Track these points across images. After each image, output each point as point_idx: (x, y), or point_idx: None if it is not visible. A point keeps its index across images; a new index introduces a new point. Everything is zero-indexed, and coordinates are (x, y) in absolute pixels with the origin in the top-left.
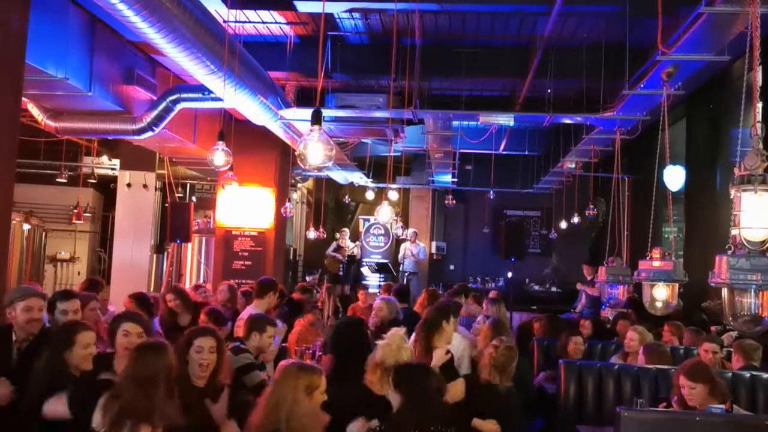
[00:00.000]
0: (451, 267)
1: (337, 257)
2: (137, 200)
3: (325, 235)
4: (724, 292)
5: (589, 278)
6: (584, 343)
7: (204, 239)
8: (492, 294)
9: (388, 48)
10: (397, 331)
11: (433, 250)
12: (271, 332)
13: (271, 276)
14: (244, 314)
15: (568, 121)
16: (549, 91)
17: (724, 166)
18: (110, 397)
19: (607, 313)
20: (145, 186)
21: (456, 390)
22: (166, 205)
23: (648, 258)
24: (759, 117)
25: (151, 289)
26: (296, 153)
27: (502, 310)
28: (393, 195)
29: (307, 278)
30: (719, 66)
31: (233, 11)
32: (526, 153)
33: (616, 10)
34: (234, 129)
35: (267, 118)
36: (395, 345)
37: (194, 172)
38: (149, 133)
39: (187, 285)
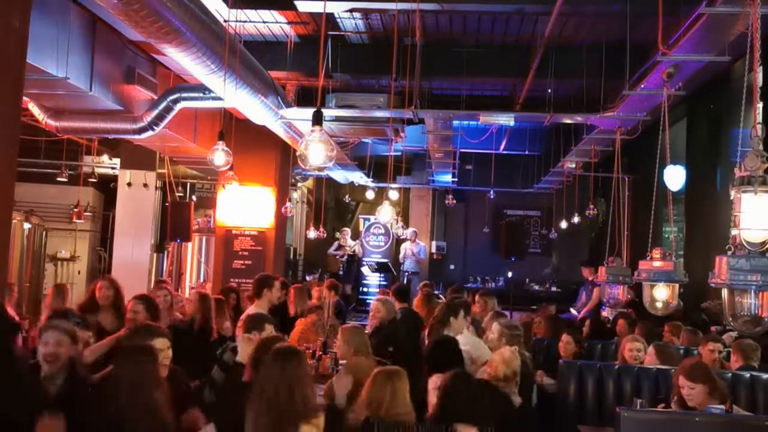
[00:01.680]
0: (451, 267)
1: (338, 254)
2: (137, 199)
3: (325, 235)
4: (724, 292)
5: (590, 279)
6: (576, 343)
7: (204, 238)
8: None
9: (389, 48)
10: (512, 348)
11: (433, 250)
12: (270, 331)
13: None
14: (245, 314)
15: (568, 121)
16: (549, 91)
17: (724, 166)
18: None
19: (607, 313)
20: (145, 185)
21: None
22: (167, 204)
23: (648, 258)
24: (759, 118)
25: (151, 288)
26: (297, 154)
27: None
28: (393, 194)
29: (308, 278)
30: (720, 66)
31: (234, 11)
32: (527, 153)
33: (617, 10)
34: (234, 128)
35: (267, 117)
36: (513, 362)
37: (194, 172)
38: (150, 133)
39: (188, 284)
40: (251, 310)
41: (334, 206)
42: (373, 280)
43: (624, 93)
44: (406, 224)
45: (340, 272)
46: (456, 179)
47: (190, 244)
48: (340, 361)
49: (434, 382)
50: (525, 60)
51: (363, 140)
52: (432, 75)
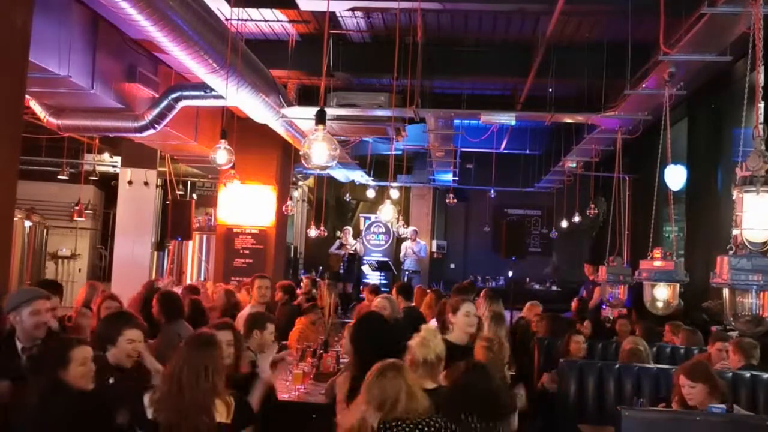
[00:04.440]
0: (452, 266)
1: (340, 254)
2: (138, 197)
3: (325, 234)
4: (725, 292)
5: (591, 278)
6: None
7: (205, 237)
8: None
9: (390, 47)
10: (428, 326)
11: (434, 249)
12: (272, 329)
13: (271, 274)
14: (244, 312)
15: (569, 121)
16: (550, 90)
17: (725, 165)
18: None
19: (607, 313)
20: (146, 183)
21: None
22: (167, 202)
23: (649, 258)
24: (761, 118)
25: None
26: (300, 153)
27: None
28: (394, 193)
29: (304, 278)
30: (721, 66)
31: (236, 9)
32: (527, 152)
33: (619, 9)
34: (236, 127)
35: (269, 116)
36: (430, 341)
37: (195, 170)
38: (151, 131)
39: (188, 283)
40: (249, 309)
41: (335, 205)
42: (373, 278)
43: (625, 92)
44: (407, 223)
45: (341, 271)
46: (457, 178)
47: (190, 243)
48: (342, 358)
49: None
50: (526, 59)
51: (364, 139)
52: (433, 74)
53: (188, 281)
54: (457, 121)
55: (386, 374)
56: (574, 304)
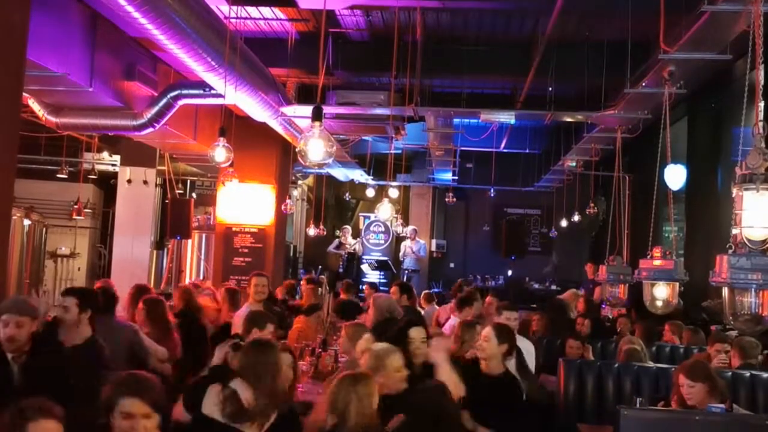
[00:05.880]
0: (451, 265)
1: (339, 253)
2: (137, 196)
3: (325, 233)
4: (725, 291)
5: (590, 277)
6: (583, 343)
7: (204, 236)
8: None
9: (390, 45)
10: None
11: (433, 248)
12: (271, 329)
13: (270, 273)
14: (242, 311)
15: (569, 120)
16: (550, 89)
17: (725, 165)
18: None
19: (607, 312)
20: (145, 182)
21: None
22: (167, 201)
23: (649, 257)
24: (761, 116)
25: (151, 285)
26: (297, 150)
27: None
28: (393, 193)
29: (303, 276)
30: (721, 65)
31: (234, 7)
32: (527, 151)
33: (619, 8)
34: (235, 125)
35: (268, 114)
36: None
37: (195, 169)
38: (150, 130)
39: (187, 282)
40: (247, 308)
41: (335, 204)
42: (373, 278)
43: (625, 91)
44: (406, 222)
45: (340, 270)
46: (456, 177)
47: (190, 242)
48: (341, 357)
49: None
50: (526, 58)
51: (363, 138)
52: (433, 72)
53: (187, 280)
54: (456, 120)
55: (342, 383)
56: (580, 305)
